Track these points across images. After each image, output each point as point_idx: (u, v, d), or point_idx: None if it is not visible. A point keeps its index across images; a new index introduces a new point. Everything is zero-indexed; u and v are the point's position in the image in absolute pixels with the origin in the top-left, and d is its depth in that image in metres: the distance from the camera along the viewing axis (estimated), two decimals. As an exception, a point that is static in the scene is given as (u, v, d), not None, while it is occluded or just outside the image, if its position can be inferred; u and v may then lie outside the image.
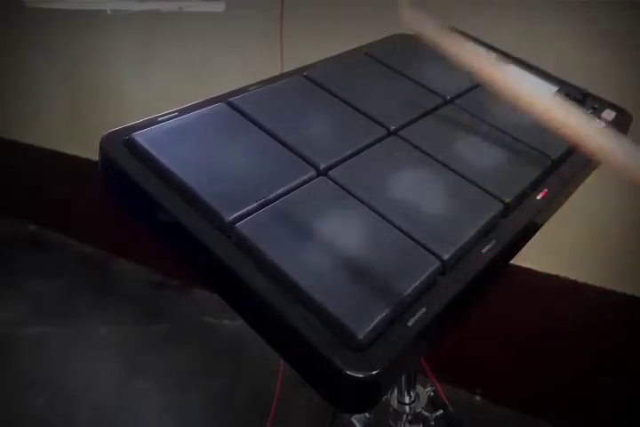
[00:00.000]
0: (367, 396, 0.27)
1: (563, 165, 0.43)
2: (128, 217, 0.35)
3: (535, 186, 0.40)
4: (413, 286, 0.29)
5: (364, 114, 0.42)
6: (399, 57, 0.51)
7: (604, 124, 0.50)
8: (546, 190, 0.40)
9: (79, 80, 1.48)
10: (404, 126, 0.42)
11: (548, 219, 0.42)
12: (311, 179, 0.35)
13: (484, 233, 0.35)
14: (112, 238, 1.67)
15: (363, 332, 0.26)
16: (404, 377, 0.54)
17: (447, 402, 0.58)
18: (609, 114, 0.52)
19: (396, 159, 0.39)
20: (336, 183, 0.35)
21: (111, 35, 1.34)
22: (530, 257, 0.98)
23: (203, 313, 1.44)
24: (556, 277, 1.00)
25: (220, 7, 1.12)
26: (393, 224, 0.33)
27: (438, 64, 0.52)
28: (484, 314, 0.97)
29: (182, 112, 0.38)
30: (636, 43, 0.77)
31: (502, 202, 0.37)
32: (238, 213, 0.31)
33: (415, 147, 0.40)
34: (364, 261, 0.30)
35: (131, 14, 1.22)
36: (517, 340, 1.09)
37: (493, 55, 0.24)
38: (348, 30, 0.95)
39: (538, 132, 0.45)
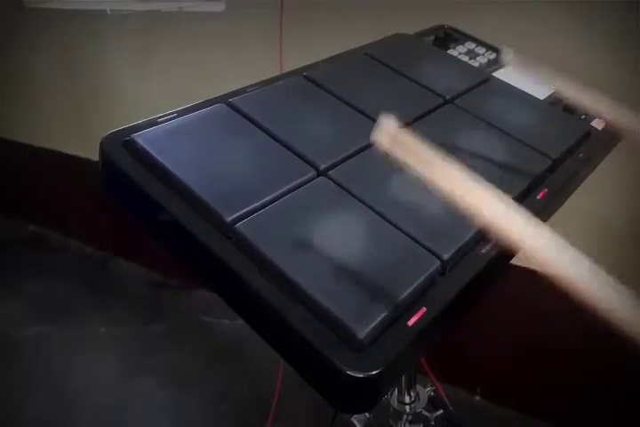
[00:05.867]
0: (367, 396, 0.27)
1: (563, 165, 0.43)
2: (128, 217, 0.35)
3: (535, 186, 0.40)
4: (413, 285, 0.29)
5: (364, 114, 0.42)
6: (399, 57, 0.51)
7: (603, 123, 0.50)
8: (546, 190, 0.40)
9: (79, 80, 1.48)
10: (404, 127, 0.42)
11: (548, 219, 0.42)
12: (311, 179, 0.35)
13: (484, 233, 0.35)
14: (112, 238, 1.67)
15: (363, 332, 0.26)
16: (404, 377, 0.54)
17: (447, 402, 0.58)
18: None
19: (395, 159, 0.38)
20: (336, 183, 0.35)
21: (111, 35, 1.34)
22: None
23: (203, 313, 1.44)
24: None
25: (220, 7, 1.12)
26: (393, 224, 0.33)
27: (438, 64, 0.52)
28: (484, 314, 0.97)
29: (182, 113, 0.38)
30: (636, 42, 0.77)
31: (502, 202, 0.37)
32: (238, 214, 0.31)
33: (415, 147, 0.40)
34: (364, 261, 0.30)
35: (131, 14, 1.22)
36: (517, 340, 1.09)
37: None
38: (347, 30, 0.95)
39: (537, 133, 0.45)
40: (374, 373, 0.25)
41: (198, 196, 0.31)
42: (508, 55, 0.36)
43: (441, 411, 0.56)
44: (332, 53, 0.50)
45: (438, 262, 0.31)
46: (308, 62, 0.48)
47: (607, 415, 1.03)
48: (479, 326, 1.02)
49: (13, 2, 1.40)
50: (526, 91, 0.51)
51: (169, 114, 0.38)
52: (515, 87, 0.51)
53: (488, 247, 0.33)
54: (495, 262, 0.34)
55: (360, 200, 0.34)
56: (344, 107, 0.42)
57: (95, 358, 1.34)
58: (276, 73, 0.46)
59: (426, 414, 0.56)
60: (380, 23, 0.72)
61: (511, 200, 0.23)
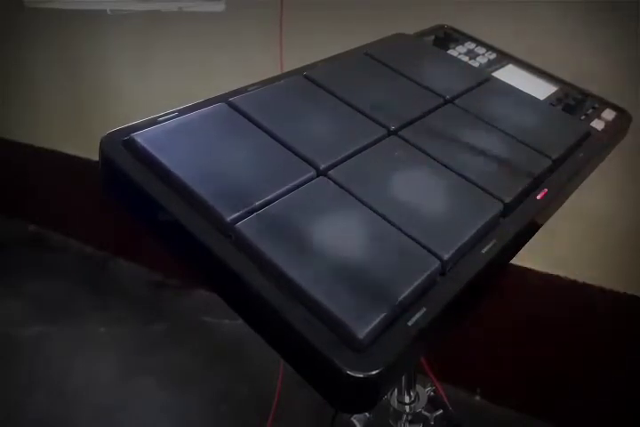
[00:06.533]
0: (367, 396, 0.27)
1: (563, 165, 0.43)
2: (128, 217, 0.35)
3: (535, 186, 0.40)
4: (413, 285, 0.29)
5: (364, 114, 0.42)
6: (399, 57, 0.51)
7: (603, 123, 0.50)
8: (546, 190, 0.40)
9: (79, 80, 1.48)
10: (403, 126, 0.42)
11: (548, 219, 0.42)
12: (311, 179, 0.35)
13: (484, 233, 0.35)
14: (112, 238, 1.67)
15: (363, 332, 0.26)
16: (404, 377, 0.54)
17: (447, 402, 0.58)
18: (609, 114, 0.52)
19: (395, 159, 0.39)
20: (336, 183, 0.35)
21: (111, 35, 1.34)
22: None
23: (203, 313, 1.44)
24: (557, 277, 1.00)
25: (220, 7, 1.12)
26: (393, 224, 0.33)
27: (438, 64, 0.52)
28: (484, 314, 0.97)
29: (182, 112, 0.38)
30: (636, 43, 0.77)
31: (502, 202, 0.37)
32: (238, 213, 0.31)
33: (415, 147, 0.40)
34: (364, 261, 0.30)
35: (131, 14, 1.22)
36: (517, 340, 1.09)
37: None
38: (347, 30, 0.95)
39: (538, 133, 0.45)
40: (374, 373, 0.25)
41: (198, 195, 0.31)
42: None
43: (441, 411, 0.56)
44: (332, 53, 0.50)
45: (438, 262, 0.31)
46: (308, 62, 0.48)
47: (607, 415, 1.03)
48: (479, 325, 1.02)
49: (13, 2, 1.40)
50: (526, 91, 0.51)
51: (169, 113, 0.38)
52: (515, 87, 0.51)
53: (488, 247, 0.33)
54: (495, 262, 0.34)
55: (360, 200, 0.34)
56: (344, 107, 0.42)
57: (95, 358, 1.34)
58: (276, 73, 0.46)
59: (425, 414, 0.56)
60: (379, 23, 0.72)
61: None
